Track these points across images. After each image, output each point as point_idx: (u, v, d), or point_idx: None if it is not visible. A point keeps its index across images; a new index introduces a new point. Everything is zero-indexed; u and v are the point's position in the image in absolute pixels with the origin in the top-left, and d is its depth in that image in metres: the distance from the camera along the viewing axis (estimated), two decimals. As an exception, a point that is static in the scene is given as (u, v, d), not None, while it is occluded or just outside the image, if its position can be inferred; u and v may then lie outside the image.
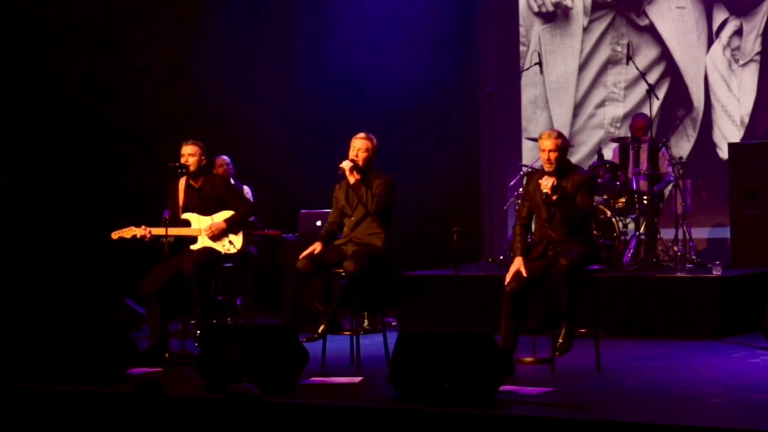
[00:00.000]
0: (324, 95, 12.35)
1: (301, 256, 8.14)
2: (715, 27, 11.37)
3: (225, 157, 10.80)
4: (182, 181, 8.85)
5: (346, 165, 8.10)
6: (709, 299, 9.13)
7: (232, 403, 5.36)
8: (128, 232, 8.66)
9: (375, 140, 8.24)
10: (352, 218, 8.23)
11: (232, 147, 11.36)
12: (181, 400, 6.59)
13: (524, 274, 7.69)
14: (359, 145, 8.17)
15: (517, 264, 7.74)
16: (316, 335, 8.06)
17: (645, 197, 10.34)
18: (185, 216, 8.79)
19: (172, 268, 8.57)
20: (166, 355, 8.40)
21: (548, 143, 7.73)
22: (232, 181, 10.80)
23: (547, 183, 7.63)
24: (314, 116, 12.31)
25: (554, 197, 7.63)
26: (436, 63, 12.26)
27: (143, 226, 8.61)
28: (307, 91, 12.45)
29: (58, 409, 6.97)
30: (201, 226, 8.72)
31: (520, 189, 10.67)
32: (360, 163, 8.13)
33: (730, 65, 11.29)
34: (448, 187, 12.21)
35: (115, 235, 8.70)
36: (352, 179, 8.08)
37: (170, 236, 8.62)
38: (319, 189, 11.27)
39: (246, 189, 10.89)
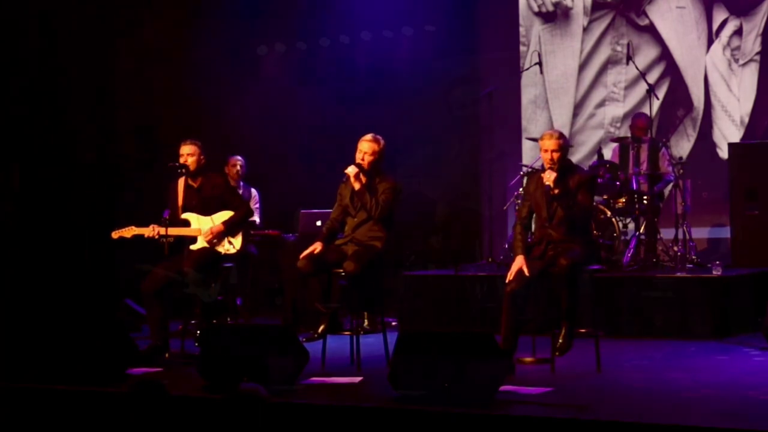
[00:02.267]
0: (324, 95, 12.36)
1: (301, 256, 8.14)
2: (715, 27, 11.35)
3: (238, 157, 10.83)
4: (181, 181, 8.85)
5: (351, 171, 8.10)
6: (709, 299, 9.13)
7: (240, 402, 5.36)
8: (128, 232, 8.67)
9: (382, 142, 8.23)
10: (355, 219, 8.23)
11: (231, 147, 11.37)
12: (181, 400, 6.59)
13: (526, 273, 7.71)
14: (365, 148, 8.17)
15: (519, 263, 7.76)
16: (316, 335, 8.06)
17: (645, 197, 10.34)
18: (185, 216, 8.79)
19: (173, 269, 8.58)
20: (166, 355, 8.41)
21: (550, 143, 7.77)
22: (242, 183, 10.83)
23: (549, 176, 7.68)
24: (314, 116, 12.31)
25: (556, 191, 7.66)
26: (436, 63, 12.27)
27: (152, 225, 8.60)
28: (307, 91, 12.46)
29: (58, 409, 6.96)
30: (201, 225, 8.72)
31: (520, 189, 10.67)
32: (365, 166, 8.13)
33: (730, 65, 11.28)
34: (448, 186, 12.22)
35: (115, 235, 8.71)
36: (357, 185, 8.08)
37: (170, 236, 8.63)
38: (319, 189, 11.28)
39: (254, 192, 10.90)
